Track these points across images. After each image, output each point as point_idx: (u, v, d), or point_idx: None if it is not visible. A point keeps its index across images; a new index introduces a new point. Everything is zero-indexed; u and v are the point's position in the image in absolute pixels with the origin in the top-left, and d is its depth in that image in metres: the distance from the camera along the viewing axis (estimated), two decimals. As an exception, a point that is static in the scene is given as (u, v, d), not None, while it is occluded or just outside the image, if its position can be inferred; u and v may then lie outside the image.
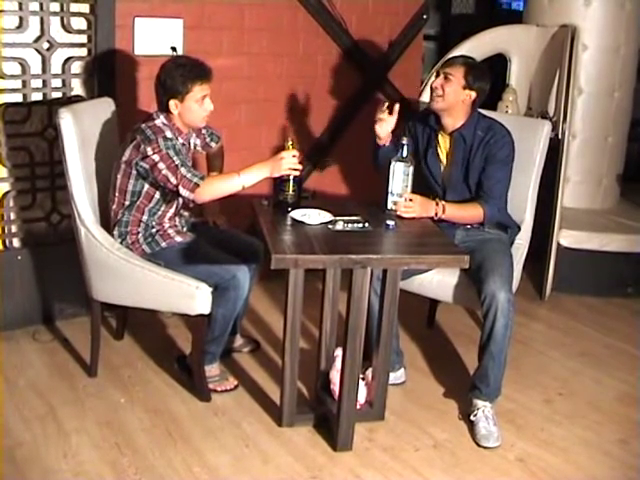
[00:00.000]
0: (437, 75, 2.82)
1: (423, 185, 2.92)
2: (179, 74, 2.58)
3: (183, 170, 2.53)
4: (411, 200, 2.66)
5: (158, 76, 2.63)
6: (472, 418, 2.67)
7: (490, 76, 2.84)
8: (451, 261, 2.47)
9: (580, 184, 4.26)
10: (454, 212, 2.80)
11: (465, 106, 2.80)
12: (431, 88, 2.81)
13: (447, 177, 2.92)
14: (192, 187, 2.52)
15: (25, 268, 3.19)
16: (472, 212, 2.84)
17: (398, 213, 2.65)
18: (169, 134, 2.62)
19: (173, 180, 2.54)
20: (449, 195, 2.90)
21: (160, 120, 2.65)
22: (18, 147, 3.10)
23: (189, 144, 2.81)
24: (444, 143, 2.91)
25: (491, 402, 2.69)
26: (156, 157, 2.55)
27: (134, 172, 2.64)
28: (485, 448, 2.57)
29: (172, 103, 2.61)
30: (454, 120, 2.83)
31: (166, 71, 2.61)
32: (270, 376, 2.96)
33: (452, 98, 2.76)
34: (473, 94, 2.77)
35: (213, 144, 2.98)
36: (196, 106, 2.63)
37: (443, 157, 2.92)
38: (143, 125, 2.63)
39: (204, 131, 2.92)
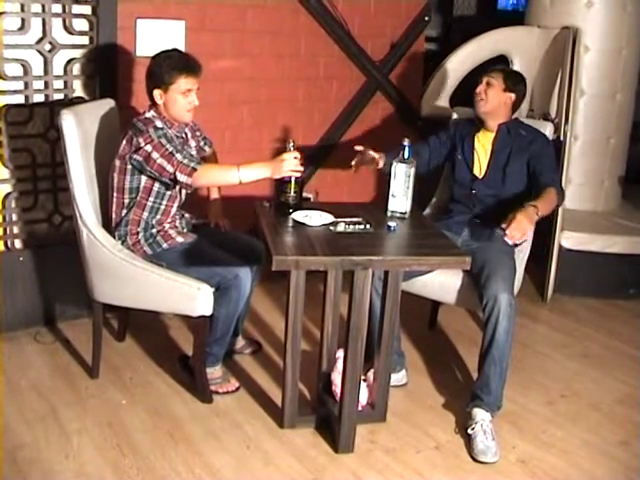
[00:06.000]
0: (479, 82, 2.97)
1: (451, 180, 3.07)
2: (166, 64, 2.61)
3: (179, 156, 2.54)
4: (513, 219, 2.50)
5: (148, 66, 2.66)
6: (469, 432, 2.59)
7: (526, 82, 3.02)
8: (452, 262, 2.47)
9: (582, 186, 4.25)
10: (544, 204, 2.65)
11: (507, 108, 2.96)
12: (475, 94, 2.95)
13: (481, 169, 3.00)
14: (189, 172, 2.52)
15: (27, 269, 3.20)
16: (551, 196, 2.73)
17: (517, 242, 2.58)
18: (159, 124, 2.64)
19: (169, 168, 2.53)
20: (476, 186, 2.99)
21: (150, 113, 2.68)
22: (20, 148, 3.10)
23: (186, 137, 2.81)
24: (484, 139, 3.01)
25: (492, 413, 2.63)
26: (149, 147, 2.55)
27: (129, 167, 2.64)
28: (482, 463, 2.50)
29: (156, 93, 2.64)
30: (497, 123, 2.98)
31: (155, 61, 2.65)
32: (272, 378, 2.96)
33: (495, 101, 2.92)
34: (513, 96, 2.94)
35: (207, 148, 2.99)
36: (180, 98, 2.64)
37: (480, 150, 3.02)
38: (134, 119, 2.66)
39: (197, 133, 2.92)
